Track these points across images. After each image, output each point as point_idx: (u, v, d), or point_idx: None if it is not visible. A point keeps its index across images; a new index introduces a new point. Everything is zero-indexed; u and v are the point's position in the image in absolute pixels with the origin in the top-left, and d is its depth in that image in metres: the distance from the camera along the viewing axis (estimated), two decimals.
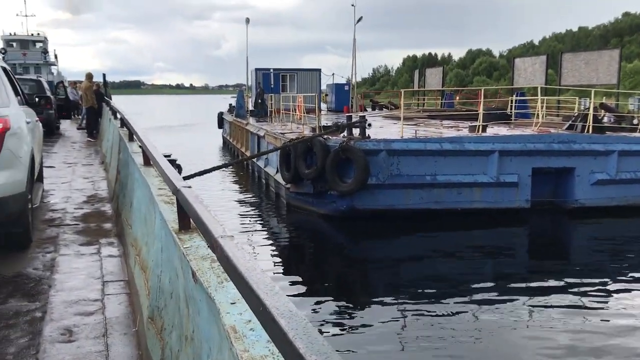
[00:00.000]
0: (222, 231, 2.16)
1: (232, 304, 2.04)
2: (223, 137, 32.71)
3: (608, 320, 8.05)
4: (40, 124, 8.07)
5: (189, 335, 2.54)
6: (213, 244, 2.14)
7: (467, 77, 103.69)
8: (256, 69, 31.88)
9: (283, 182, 14.67)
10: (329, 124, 16.52)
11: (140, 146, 6.06)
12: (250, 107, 28.17)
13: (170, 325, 2.99)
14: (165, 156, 4.68)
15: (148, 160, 5.43)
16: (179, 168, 5.32)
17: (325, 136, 13.47)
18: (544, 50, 76.43)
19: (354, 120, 14.11)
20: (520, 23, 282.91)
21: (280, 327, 1.34)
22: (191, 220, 2.95)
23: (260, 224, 14.15)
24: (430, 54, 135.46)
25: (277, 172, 15.46)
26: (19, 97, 6.64)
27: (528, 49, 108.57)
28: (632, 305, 8.69)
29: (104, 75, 25.01)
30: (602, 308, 8.54)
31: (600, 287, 9.48)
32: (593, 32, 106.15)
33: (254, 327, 1.84)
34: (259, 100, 27.62)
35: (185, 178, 4.20)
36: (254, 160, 19.01)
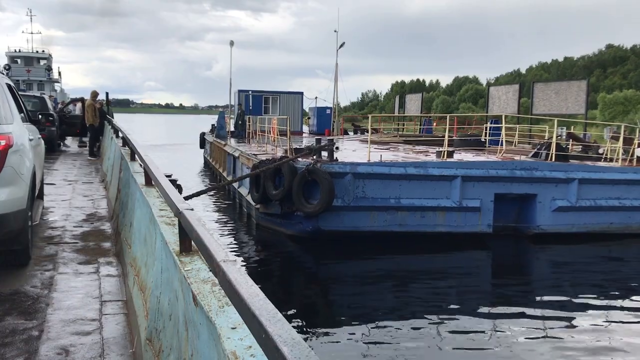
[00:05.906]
0: (225, 255, 2.15)
1: (232, 328, 2.02)
2: (204, 157, 32.85)
3: (568, 340, 8.34)
4: (43, 141, 8.07)
5: (188, 359, 2.51)
6: (215, 267, 2.13)
7: (454, 104, 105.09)
8: (239, 90, 32.25)
9: (253, 203, 14.89)
10: (301, 147, 16.83)
11: (142, 166, 5.94)
12: (231, 128, 28.46)
13: (169, 348, 2.96)
14: (166, 176, 4.66)
15: (150, 180, 5.39)
16: (179, 188, 5.28)
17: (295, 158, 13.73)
18: (530, 79, 77.81)
19: (323, 143, 14.44)
20: (509, 52, 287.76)
21: (283, 355, 1.32)
22: (192, 242, 2.94)
23: (230, 242, 14.32)
24: (418, 80, 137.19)
25: (248, 192, 15.69)
26: (22, 114, 6.59)
27: (515, 77, 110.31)
28: (589, 326, 8.99)
29: (106, 93, 25.36)
30: (560, 329, 8.80)
31: (559, 309, 9.77)
32: (578, 63, 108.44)
33: (254, 354, 1.81)
34: (240, 122, 27.95)
35: (185, 198, 4.33)
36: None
